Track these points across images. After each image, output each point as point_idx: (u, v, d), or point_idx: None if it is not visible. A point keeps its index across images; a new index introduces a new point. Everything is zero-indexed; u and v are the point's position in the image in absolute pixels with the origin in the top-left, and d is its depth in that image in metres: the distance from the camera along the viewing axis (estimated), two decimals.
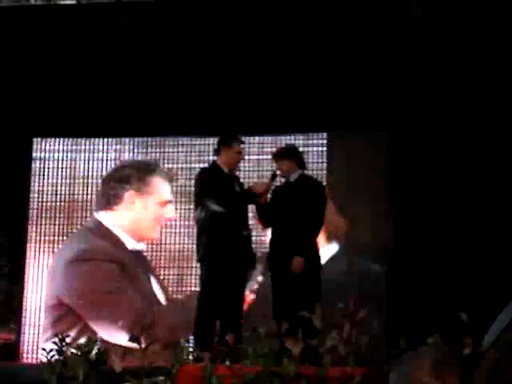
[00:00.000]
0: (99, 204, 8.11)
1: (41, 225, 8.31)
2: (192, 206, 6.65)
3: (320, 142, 7.99)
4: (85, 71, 8.15)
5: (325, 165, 7.94)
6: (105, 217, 8.02)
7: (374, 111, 7.67)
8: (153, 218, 7.98)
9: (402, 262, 7.38)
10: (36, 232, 8.30)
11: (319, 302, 6.00)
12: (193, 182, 6.66)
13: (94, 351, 4.91)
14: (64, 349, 5.01)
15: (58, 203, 8.34)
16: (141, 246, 8.01)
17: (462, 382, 1.65)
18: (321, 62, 7.71)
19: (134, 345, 5.02)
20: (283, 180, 6.72)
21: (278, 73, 7.78)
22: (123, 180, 8.05)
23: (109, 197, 8.06)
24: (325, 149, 7.99)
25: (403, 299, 7.23)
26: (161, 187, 8.04)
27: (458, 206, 7.34)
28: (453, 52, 7.49)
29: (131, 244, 7.92)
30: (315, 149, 7.99)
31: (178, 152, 8.32)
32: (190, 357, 5.39)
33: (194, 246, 6.43)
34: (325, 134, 8.00)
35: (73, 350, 4.96)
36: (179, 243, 8.15)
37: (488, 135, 7.41)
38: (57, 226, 8.29)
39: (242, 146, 6.72)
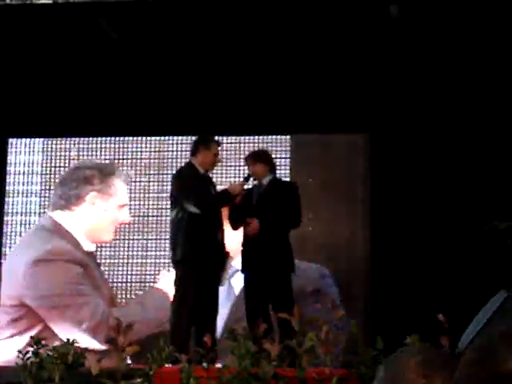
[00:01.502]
0: (57, 203, 8.02)
1: (16, 224, 8.21)
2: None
3: (284, 145, 7.99)
4: (60, 71, 8.10)
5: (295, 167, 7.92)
6: (62, 217, 7.94)
7: (354, 113, 7.68)
8: (111, 220, 7.94)
9: (379, 264, 7.39)
10: (12, 232, 8.20)
11: (294, 304, 6.07)
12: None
13: (71, 353, 4.87)
14: (40, 351, 4.97)
15: (32, 203, 8.23)
16: (93, 248, 7.95)
17: (447, 383, 1.66)
18: (300, 63, 7.71)
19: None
20: (255, 183, 6.73)
21: (257, 73, 7.77)
22: (85, 181, 7.98)
23: (68, 197, 7.97)
24: (288, 150, 7.98)
25: (380, 300, 7.24)
26: (121, 189, 8.00)
27: (436, 208, 7.36)
28: (432, 54, 7.52)
29: (86, 245, 7.88)
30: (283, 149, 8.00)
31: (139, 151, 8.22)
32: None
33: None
34: (288, 137, 7.99)
35: (49, 352, 4.91)
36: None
37: (469, 138, 7.44)
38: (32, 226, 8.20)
39: (219, 148, 6.73)
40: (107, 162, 8.14)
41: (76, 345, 4.94)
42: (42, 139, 8.31)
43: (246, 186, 6.66)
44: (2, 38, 7.85)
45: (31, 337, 5.09)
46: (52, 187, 8.16)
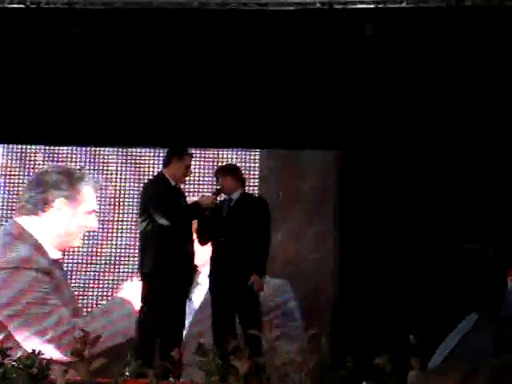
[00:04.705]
0: (23, 208, 7.87)
1: None
2: None
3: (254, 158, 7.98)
4: (30, 76, 7.98)
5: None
6: (28, 222, 7.80)
7: (328, 130, 7.69)
8: (79, 226, 7.83)
9: (348, 281, 7.39)
10: None
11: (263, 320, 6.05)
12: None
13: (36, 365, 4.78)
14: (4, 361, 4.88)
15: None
16: (59, 255, 7.82)
17: None
18: (274, 79, 7.70)
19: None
20: (225, 197, 6.69)
21: (231, 87, 7.74)
22: (53, 186, 7.85)
23: (36, 202, 7.83)
24: (257, 165, 7.98)
25: (348, 319, 7.23)
26: (89, 196, 7.88)
27: (408, 227, 7.37)
28: (405, 72, 7.55)
29: (52, 253, 7.75)
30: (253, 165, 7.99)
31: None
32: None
33: None
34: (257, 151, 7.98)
35: (13, 363, 4.82)
36: None
37: (443, 157, 7.49)
38: None
39: (192, 160, 6.71)
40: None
41: (41, 356, 4.84)
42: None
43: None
44: None
45: None
46: (14, 192, 8.03)
